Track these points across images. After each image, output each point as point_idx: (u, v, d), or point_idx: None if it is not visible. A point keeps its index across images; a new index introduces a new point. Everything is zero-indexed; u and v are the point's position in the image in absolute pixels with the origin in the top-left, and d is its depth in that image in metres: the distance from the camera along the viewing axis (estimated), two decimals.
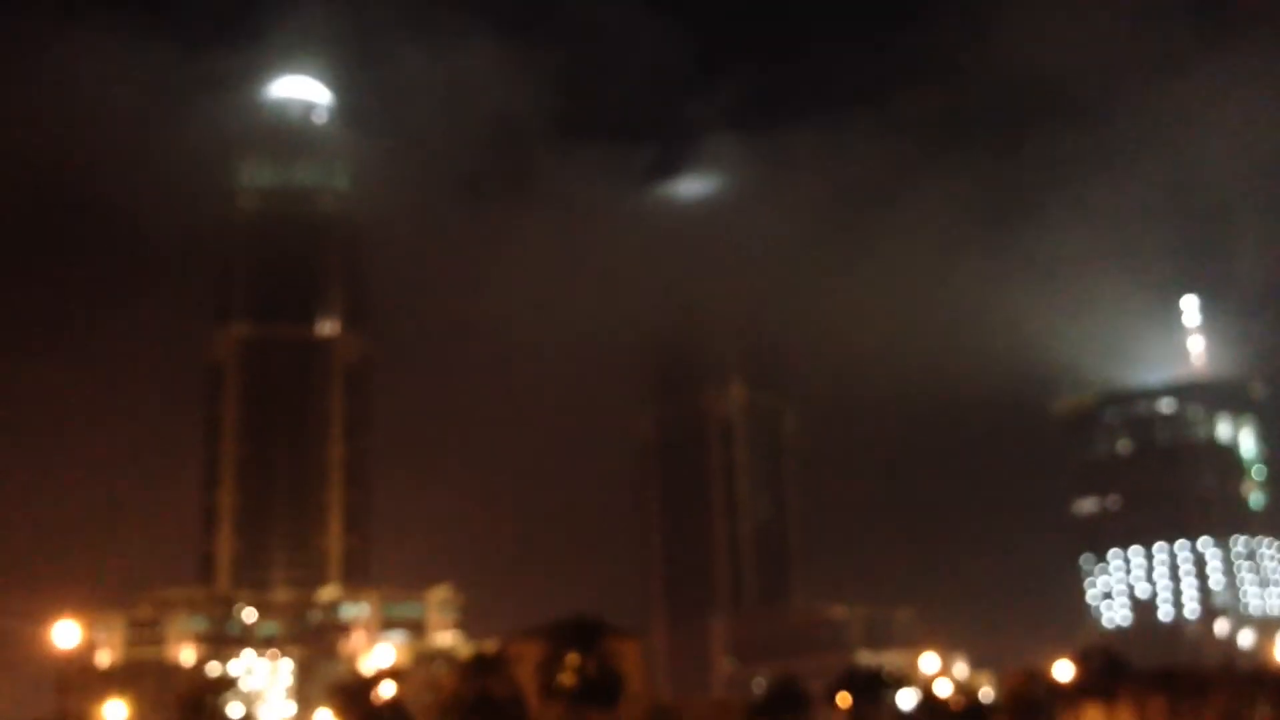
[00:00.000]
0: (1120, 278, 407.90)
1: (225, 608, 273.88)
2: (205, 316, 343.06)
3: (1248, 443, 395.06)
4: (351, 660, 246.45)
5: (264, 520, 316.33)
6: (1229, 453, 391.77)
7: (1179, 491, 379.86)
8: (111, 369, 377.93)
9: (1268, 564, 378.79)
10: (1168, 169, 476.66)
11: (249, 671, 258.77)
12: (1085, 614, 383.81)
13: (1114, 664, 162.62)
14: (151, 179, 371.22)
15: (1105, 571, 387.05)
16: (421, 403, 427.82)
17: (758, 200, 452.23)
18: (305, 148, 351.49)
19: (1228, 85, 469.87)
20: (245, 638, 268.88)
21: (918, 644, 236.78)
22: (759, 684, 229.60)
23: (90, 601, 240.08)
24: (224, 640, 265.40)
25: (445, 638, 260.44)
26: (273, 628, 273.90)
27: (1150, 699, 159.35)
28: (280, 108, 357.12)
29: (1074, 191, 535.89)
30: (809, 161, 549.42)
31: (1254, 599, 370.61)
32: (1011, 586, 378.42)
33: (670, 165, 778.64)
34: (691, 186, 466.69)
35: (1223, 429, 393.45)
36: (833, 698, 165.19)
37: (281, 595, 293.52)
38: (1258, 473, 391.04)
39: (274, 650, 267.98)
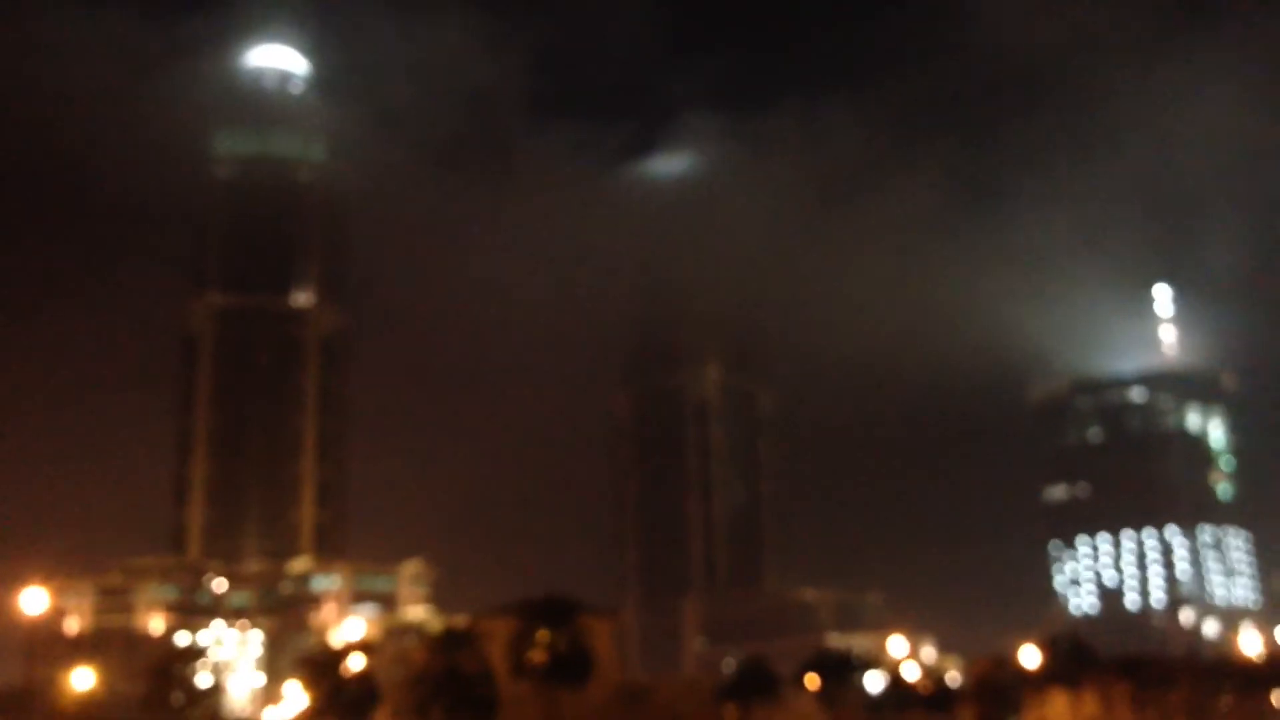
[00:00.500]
0: (1094, 266, 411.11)
1: (195, 577, 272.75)
2: (180, 286, 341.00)
3: (1217, 433, 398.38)
4: (322, 632, 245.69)
5: (236, 491, 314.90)
6: (1198, 443, 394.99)
7: (1148, 480, 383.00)
8: (85, 338, 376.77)
9: (1234, 554, 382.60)
10: (1141, 157, 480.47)
11: (218, 642, 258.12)
12: (1053, 600, 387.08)
13: (1080, 651, 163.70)
14: (125, 148, 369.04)
15: (1074, 558, 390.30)
16: (396, 376, 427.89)
17: (734, 180, 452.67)
18: (282, 117, 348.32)
19: (1202, 74, 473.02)
20: (215, 608, 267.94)
21: (887, 627, 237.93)
22: (729, 664, 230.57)
23: (60, 569, 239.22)
24: (194, 610, 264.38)
25: (416, 612, 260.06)
26: (243, 598, 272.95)
27: (1115, 687, 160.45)
28: (256, 76, 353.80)
29: (1048, 178, 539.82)
30: (785, 143, 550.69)
31: (1220, 589, 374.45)
32: (981, 572, 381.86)
33: (647, 144, 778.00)
34: (668, 165, 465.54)
35: (1193, 419, 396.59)
36: (802, 679, 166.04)
37: (252, 566, 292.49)
38: (1226, 463, 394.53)
39: (244, 621, 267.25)
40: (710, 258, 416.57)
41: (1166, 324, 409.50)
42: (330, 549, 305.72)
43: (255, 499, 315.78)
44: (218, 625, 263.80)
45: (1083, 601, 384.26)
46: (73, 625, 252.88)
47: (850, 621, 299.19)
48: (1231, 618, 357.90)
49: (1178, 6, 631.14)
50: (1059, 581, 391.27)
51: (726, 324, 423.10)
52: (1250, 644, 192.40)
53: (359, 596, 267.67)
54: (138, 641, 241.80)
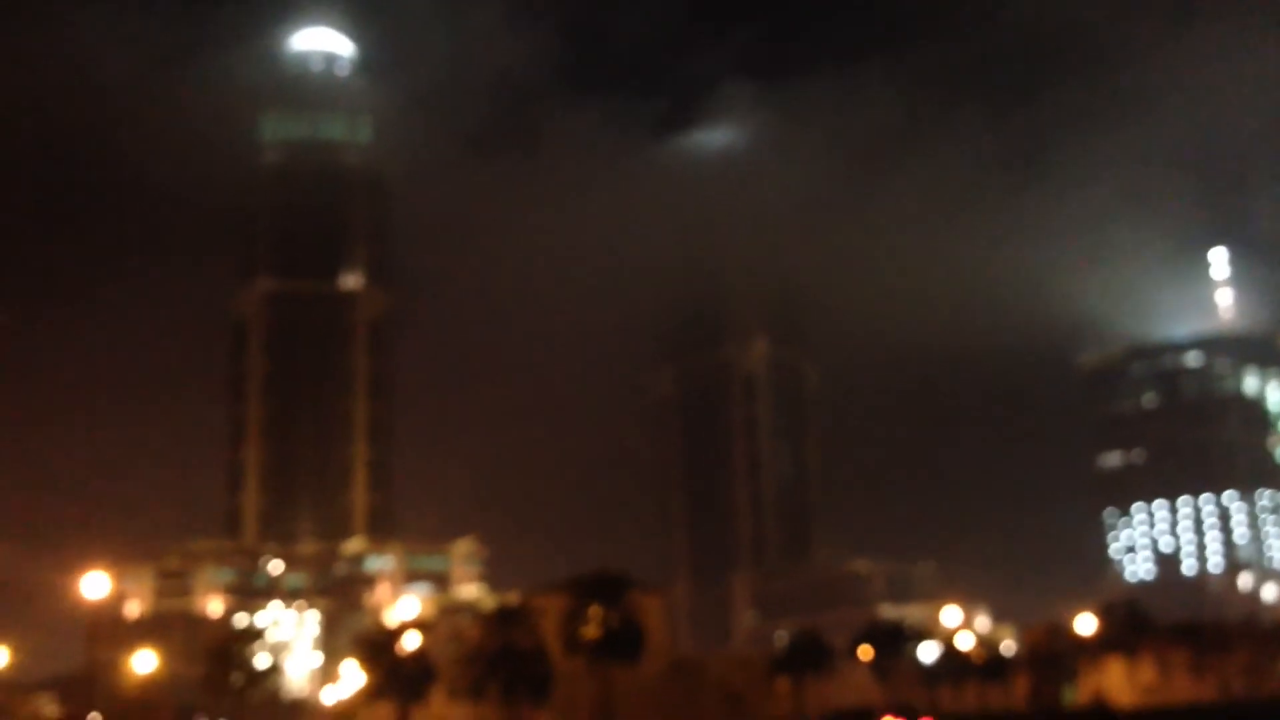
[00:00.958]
0: (1146, 230, 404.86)
1: (252, 560, 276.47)
2: (229, 272, 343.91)
3: (1275, 396, 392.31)
4: (377, 612, 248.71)
5: (289, 475, 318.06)
6: (1256, 406, 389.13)
7: (1204, 445, 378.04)
8: (138, 326, 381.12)
9: None
10: (1185, 117, 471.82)
11: (275, 623, 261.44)
12: (1108, 568, 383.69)
13: (1136, 618, 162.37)
14: (170, 138, 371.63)
15: (1129, 525, 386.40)
16: (444, 358, 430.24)
17: (773, 152, 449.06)
18: (327, 101, 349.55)
19: (1240, 28, 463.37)
20: (272, 589, 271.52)
21: (939, 598, 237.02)
22: (781, 638, 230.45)
23: (119, 554, 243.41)
24: (251, 592, 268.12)
25: (469, 590, 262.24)
26: (299, 580, 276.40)
27: (1173, 653, 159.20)
28: (302, 60, 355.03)
29: (1094, 142, 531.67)
30: (823, 112, 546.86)
31: (1278, 552, 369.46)
32: (1034, 540, 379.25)
33: (681, 117, 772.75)
34: (705, 138, 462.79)
35: (1250, 382, 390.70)
36: (855, 651, 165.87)
37: (307, 548, 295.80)
38: None
39: (300, 602, 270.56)
40: (750, 230, 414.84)
41: (1223, 287, 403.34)
42: (383, 530, 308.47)
43: (308, 482, 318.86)
44: (275, 606, 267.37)
45: (1139, 568, 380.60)
46: (133, 609, 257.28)
47: (902, 592, 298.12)
48: None
49: None
50: (1114, 549, 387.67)
51: (770, 297, 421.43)
52: None
53: (412, 576, 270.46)
54: (197, 624, 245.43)
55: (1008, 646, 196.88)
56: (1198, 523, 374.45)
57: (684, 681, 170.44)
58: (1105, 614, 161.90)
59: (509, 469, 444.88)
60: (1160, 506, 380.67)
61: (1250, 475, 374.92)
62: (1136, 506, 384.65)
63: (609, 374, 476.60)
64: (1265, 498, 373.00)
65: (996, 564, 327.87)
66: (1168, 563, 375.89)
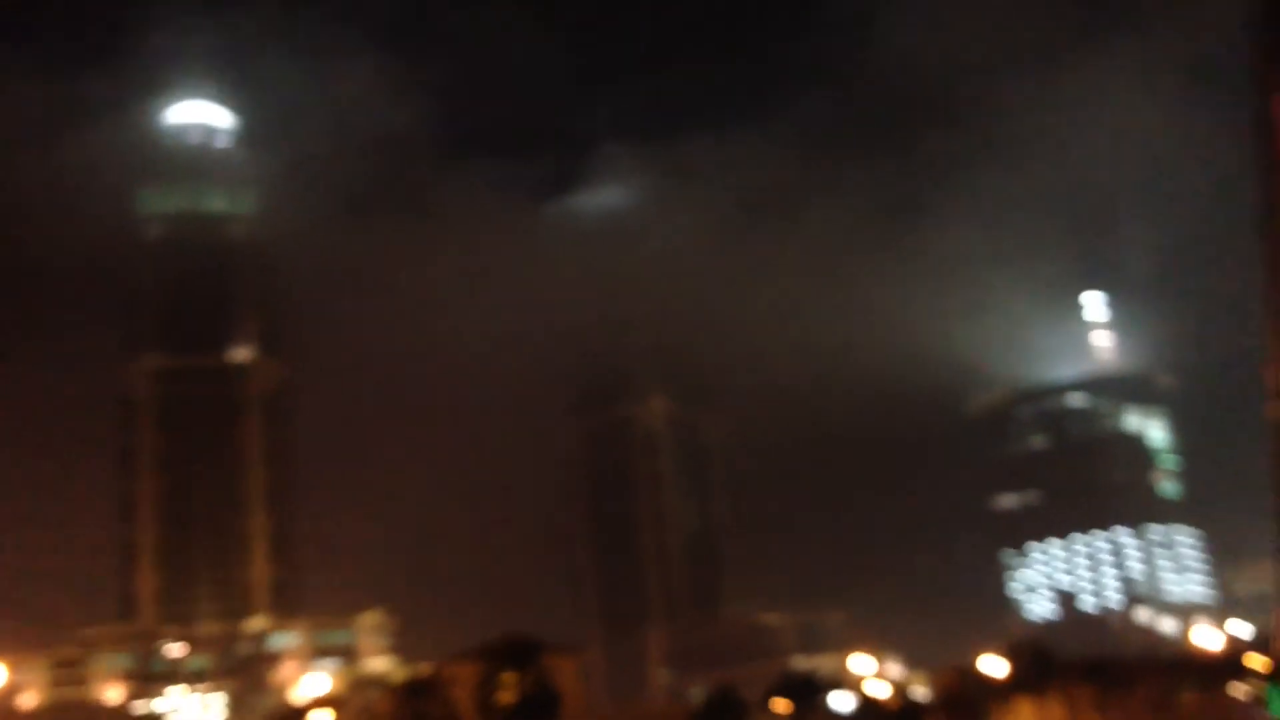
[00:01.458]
0: (1021, 277, 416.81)
1: (149, 644, 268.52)
2: (115, 349, 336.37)
3: (1157, 433, 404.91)
4: (283, 691, 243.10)
5: (185, 553, 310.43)
6: (1139, 444, 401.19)
7: (1093, 483, 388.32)
8: (20, 406, 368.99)
9: (1183, 551, 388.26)
10: (1055, 167, 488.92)
11: (177, 709, 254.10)
12: (1011, 608, 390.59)
13: (1042, 657, 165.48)
14: (48, 209, 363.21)
15: (1027, 565, 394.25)
16: (342, 426, 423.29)
17: (658, 211, 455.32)
18: (209, 173, 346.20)
19: (1104, 81, 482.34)
20: (172, 673, 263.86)
21: (850, 646, 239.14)
22: (697, 694, 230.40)
23: (9, 644, 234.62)
24: (150, 677, 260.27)
25: (378, 663, 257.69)
26: (200, 662, 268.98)
27: (1079, 690, 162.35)
28: (180, 133, 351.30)
29: (962, 192, 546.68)
30: (705, 170, 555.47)
31: (1173, 586, 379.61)
32: (938, 584, 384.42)
33: (566, 180, 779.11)
34: (590, 200, 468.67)
35: (1132, 421, 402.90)
36: (769, 704, 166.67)
37: (208, 628, 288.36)
38: (1169, 462, 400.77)
39: (203, 685, 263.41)
40: (642, 289, 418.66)
41: (1100, 330, 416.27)
42: (286, 605, 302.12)
43: (206, 560, 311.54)
44: (176, 691, 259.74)
45: (1039, 607, 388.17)
46: (28, 700, 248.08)
47: (814, 643, 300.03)
48: (1186, 614, 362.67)
49: (1074, 17, 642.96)
50: (1015, 589, 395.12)
51: (667, 353, 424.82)
52: (1206, 638, 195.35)
53: (319, 651, 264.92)
54: (96, 713, 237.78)
55: (920, 692, 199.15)
56: (1093, 560, 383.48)
57: None
58: (1012, 655, 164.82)
59: (414, 535, 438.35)
60: (1055, 545, 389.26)
61: (1139, 511, 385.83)
62: (1033, 546, 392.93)
63: (512, 435, 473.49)
64: (1155, 532, 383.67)
65: (903, 609, 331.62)
66: (1067, 600, 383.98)
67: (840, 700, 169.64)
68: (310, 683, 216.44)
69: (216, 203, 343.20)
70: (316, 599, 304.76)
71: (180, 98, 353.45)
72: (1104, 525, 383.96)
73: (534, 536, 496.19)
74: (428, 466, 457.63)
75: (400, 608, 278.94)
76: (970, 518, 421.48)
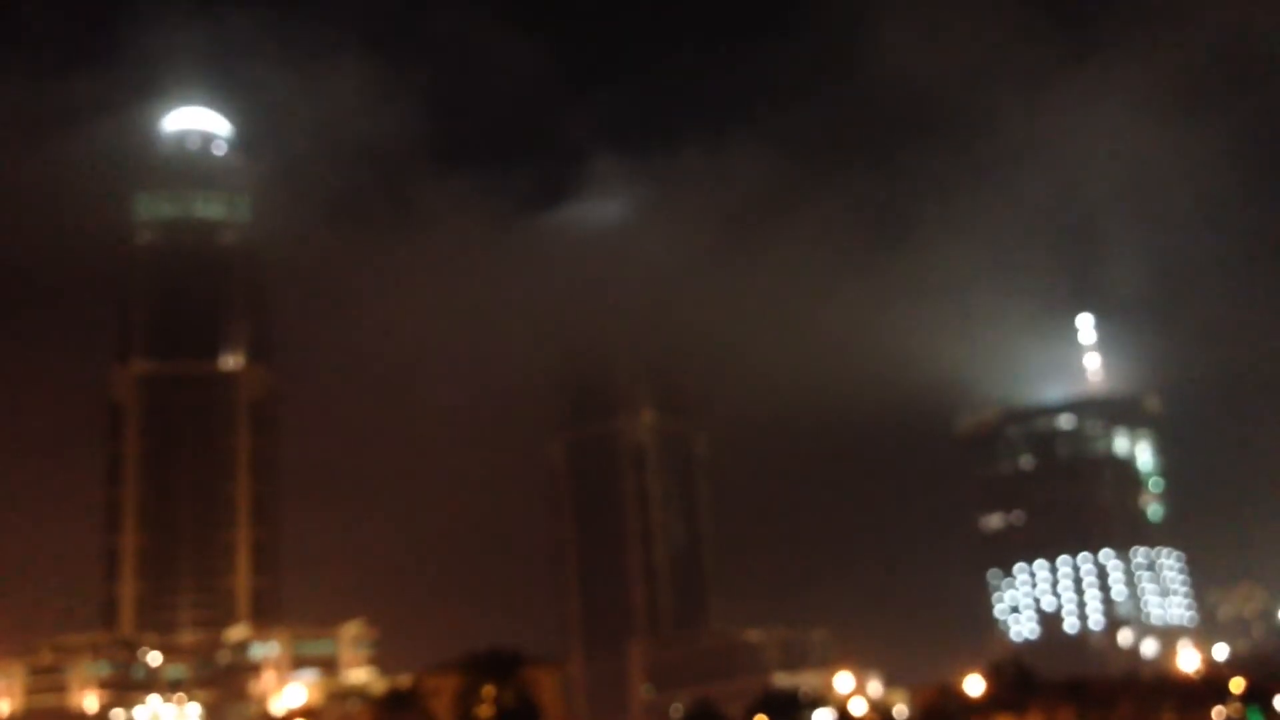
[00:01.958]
0: (1012, 296, 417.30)
1: (129, 652, 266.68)
2: (105, 355, 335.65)
3: (1145, 456, 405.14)
4: (262, 701, 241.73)
5: (168, 561, 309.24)
6: (1127, 466, 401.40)
7: (1080, 505, 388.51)
8: (8, 409, 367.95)
9: (1167, 574, 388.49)
10: (1043, 187, 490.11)
11: (155, 717, 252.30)
12: (994, 628, 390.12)
13: (1023, 677, 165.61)
14: (41, 214, 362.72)
15: (1012, 585, 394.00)
16: (328, 436, 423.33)
17: (646, 223, 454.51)
18: (204, 180, 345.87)
19: (1089, 99, 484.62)
20: (151, 682, 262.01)
21: (833, 664, 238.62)
22: (677, 709, 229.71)
23: None
24: (129, 685, 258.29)
25: (359, 674, 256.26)
26: (180, 671, 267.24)
27: (1059, 710, 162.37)
28: (177, 139, 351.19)
29: (950, 208, 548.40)
30: (694, 183, 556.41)
31: (1155, 608, 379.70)
32: (922, 603, 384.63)
33: (553, 191, 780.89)
34: (577, 211, 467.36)
35: (1120, 443, 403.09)
36: None
37: (188, 637, 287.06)
38: (1155, 485, 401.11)
39: (180, 694, 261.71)
40: (630, 302, 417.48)
41: (1090, 351, 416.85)
42: (267, 615, 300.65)
43: (188, 568, 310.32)
44: (154, 700, 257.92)
45: (1023, 628, 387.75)
46: (4, 707, 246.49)
47: (796, 660, 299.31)
48: (1169, 636, 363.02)
49: (1060, 33, 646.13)
50: (999, 609, 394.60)
51: (655, 367, 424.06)
52: (1188, 661, 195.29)
53: (299, 662, 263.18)
54: None
55: (900, 710, 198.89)
56: (1077, 581, 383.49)
57: None
58: (993, 674, 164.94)
59: (398, 546, 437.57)
60: (1041, 566, 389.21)
61: (1125, 533, 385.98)
62: (1018, 567, 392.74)
63: (498, 447, 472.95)
64: (1140, 554, 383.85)
65: (887, 627, 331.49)
66: (1050, 621, 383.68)
67: (820, 718, 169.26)
68: (290, 693, 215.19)
69: (211, 209, 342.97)
70: (298, 609, 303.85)
71: (178, 104, 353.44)
72: (1090, 547, 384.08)
73: (518, 549, 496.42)
74: (413, 478, 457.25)
75: (382, 619, 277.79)
76: (956, 537, 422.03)
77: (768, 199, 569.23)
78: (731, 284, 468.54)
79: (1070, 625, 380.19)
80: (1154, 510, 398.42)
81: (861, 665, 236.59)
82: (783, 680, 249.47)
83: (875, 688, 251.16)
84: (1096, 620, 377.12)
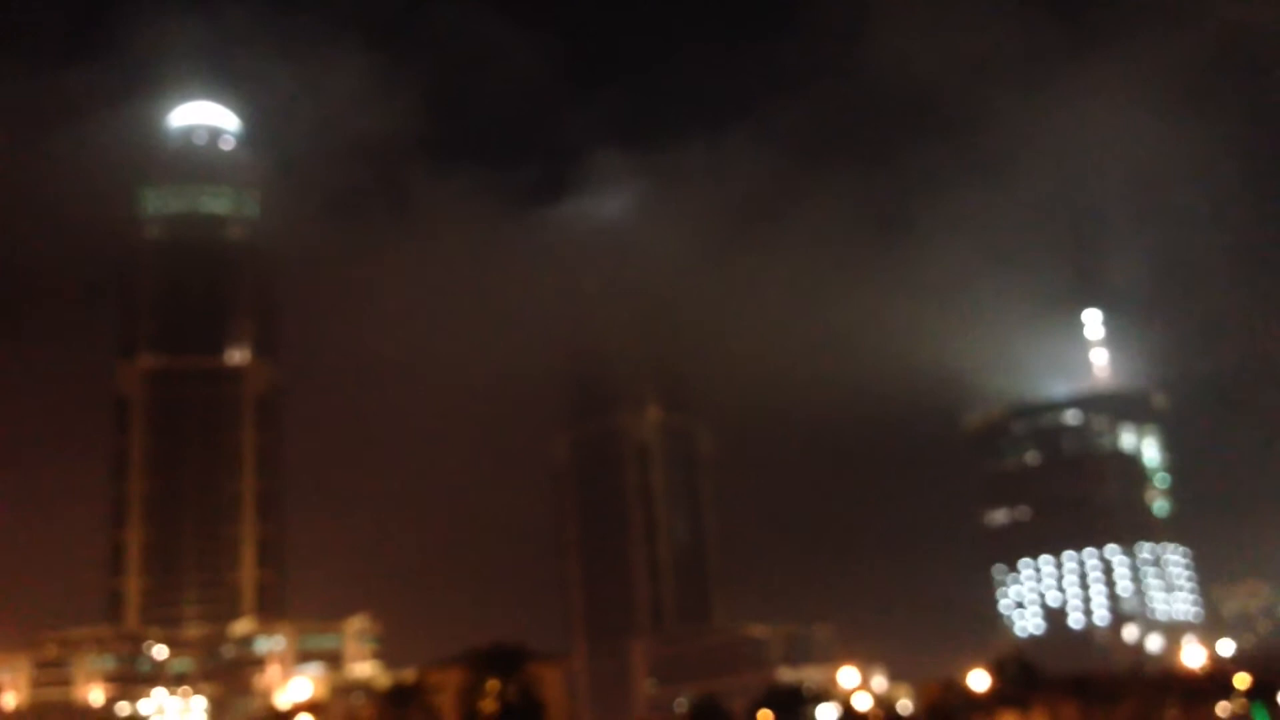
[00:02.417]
0: (1019, 291, 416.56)
1: (134, 646, 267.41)
2: (111, 349, 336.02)
3: (1151, 452, 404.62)
4: (267, 695, 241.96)
5: (174, 555, 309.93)
6: (1133, 462, 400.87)
7: (1086, 501, 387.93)
8: (13, 404, 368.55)
9: (1173, 570, 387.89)
10: (1045, 182, 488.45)
11: (160, 710, 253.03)
12: (999, 623, 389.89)
13: (1027, 672, 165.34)
14: (48, 208, 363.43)
15: (1017, 581, 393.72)
16: (333, 432, 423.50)
17: (647, 219, 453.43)
18: (212, 174, 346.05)
19: (1091, 93, 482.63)
20: (156, 676, 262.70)
21: (837, 659, 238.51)
22: (681, 704, 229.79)
23: None
24: (134, 679, 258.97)
25: (363, 669, 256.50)
26: (185, 664, 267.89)
27: (1063, 705, 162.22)
28: (185, 134, 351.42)
29: (950, 204, 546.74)
30: (696, 178, 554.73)
31: (1160, 604, 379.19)
32: (927, 598, 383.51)
33: (553, 187, 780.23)
34: (578, 207, 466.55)
35: (1126, 439, 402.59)
36: (754, 715, 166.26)
37: (193, 631, 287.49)
38: (1161, 481, 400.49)
39: (185, 688, 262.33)
40: (635, 297, 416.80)
41: (1097, 347, 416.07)
42: (272, 609, 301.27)
43: (194, 562, 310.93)
44: (159, 693, 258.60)
45: (1028, 623, 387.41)
46: (9, 701, 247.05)
47: (800, 655, 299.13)
48: (1173, 632, 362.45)
49: (1059, 27, 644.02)
50: (1004, 604, 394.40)
51: (660, 364, 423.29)
52: (1192, 657, 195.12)
53: (304, 656, 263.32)
54: (77, 714, 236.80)
55: (904, 705, 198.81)
56: (1083, 576, 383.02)
57: None
58: (997, 669, 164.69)
59: (403, 542, 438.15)
60: (1046, 562, 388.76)
61: (1130, 529, 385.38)
62: (1023, 562, 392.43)
63: (502, 443, 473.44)
64: (1146, 550, 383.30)
65: (891, 623, 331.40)
66: (1055, 616, 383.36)
67: (825, 713, 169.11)
68: (294, 687, 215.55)
69: (218, 204, 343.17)
70: (303, 604, 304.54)
71: (185, 99, 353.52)
72: (1095, 542, 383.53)
73: (522, 545, 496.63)
74: (417, 473, 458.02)
75: (386, 613, 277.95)
76: (962, 532, 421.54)
77: (771, 195, 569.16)
78: (735, 280, 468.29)
79: (1075, 621, 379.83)
80: (1160, 506, 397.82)
81: (866, 660, 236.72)
82: (787, 675, 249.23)
83: (880, 683, 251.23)
84: (1102, 616, 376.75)
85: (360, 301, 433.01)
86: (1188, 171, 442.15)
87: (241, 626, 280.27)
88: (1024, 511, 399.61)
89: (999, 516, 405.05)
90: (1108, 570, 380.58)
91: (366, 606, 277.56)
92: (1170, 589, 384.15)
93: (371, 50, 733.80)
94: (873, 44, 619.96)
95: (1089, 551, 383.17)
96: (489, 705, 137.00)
